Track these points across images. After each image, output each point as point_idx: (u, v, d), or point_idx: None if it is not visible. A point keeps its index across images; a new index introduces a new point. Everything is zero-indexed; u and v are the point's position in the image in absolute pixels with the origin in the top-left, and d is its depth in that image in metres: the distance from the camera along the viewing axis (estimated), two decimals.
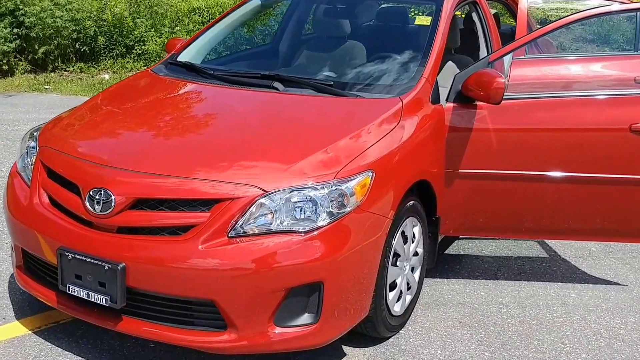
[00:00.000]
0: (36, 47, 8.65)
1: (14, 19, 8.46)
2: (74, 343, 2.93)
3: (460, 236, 3.70)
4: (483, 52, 4.12)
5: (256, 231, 2.53)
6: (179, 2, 9.86)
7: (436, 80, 3.37)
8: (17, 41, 8.50)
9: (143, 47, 9.15)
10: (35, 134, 3.17)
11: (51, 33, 8.65)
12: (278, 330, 2.57)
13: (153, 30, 9.30)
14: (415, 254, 3.26)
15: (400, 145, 2.96)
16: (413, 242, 3.19)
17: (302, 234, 2.54)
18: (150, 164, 2.72)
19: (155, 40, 9.17)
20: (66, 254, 2.63)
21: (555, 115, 3.42)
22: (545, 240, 4.32)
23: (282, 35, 4.45)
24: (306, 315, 2.61)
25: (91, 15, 9.06)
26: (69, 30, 8.78)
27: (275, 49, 4.33)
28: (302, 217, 2.57)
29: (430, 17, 3.65)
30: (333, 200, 2.61)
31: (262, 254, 2.50)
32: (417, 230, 3.21)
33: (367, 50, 3.76)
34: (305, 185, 2.60)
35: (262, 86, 3.31)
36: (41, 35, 8.57)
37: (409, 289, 3.24)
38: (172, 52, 3.90)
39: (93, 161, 2.80)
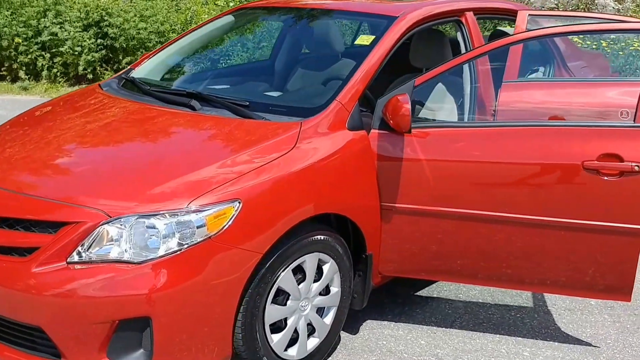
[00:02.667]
0: (120, 57, 9.08)
1: (99, 30, 8.94)
2: None
3: (409, 277, 3.33)
4: (466, 77, 3.70)
5: (94, 258, 2.39)
6: None
7: (357, 104, 3.04)
8: (103, 51, 8.97)
9: None
10: None
11: (134, 44, 9.04)
12: None
13: None
14: (326, 293, 2.97)
15: (289, 173, 2.69)
16: (318, 281, 2.90)
17: (135, 265, 2.37)
18: (11, 182, 2.67)
19: None
20: None
21: (493, 146, 2.98)
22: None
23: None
24: (141, 351, 2.43)
25: (175, 28, 9.36)
26: (154, 42, 9.12)
27: (237, 68, 4.19)
28: (144, 246, 2.40)
29: (373, 37, 3.32)
30: (179, 231, 2.41)
31: (87, 282, 2.35)
32: (327, 267, 2.92)
33: (305, 72, 3.52)
34: (152, 212, 2.43)
35: (181, 104, 3.17)
36: (125, 46, 8.99)
37: (313, 331, 2.95)
38: (130, 67, 3.86)
39: None
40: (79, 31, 8.84)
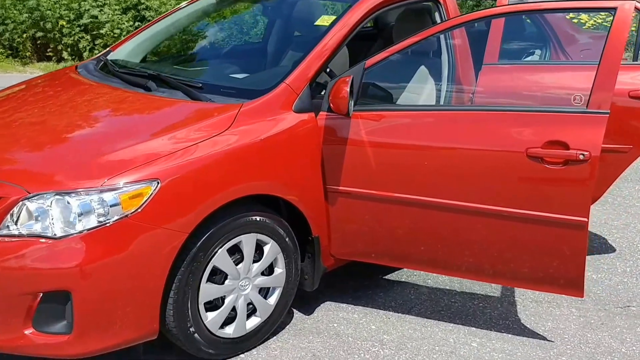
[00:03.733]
0: None
1: (137, 13, 9.17)
2: None
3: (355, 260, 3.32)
4: (444, 60, 3.63)
5: (19, 232, 2.50)
6: None
7: (308, 86, 3.03)
8: None
9: None
10: None
11: None
12: (35, 334, 2.51)
13: None
14: (269, 273, 3.00)
15: (216, 155, 2.71)
16: (259, 261, 2.93)
17: (55, 240, 2.46)
18: None
19: None
20: None
21: (435, 130, 2.92)
22: None
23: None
24: (64, 323, 2.53)
25: None
26: None
27: (216, 51, 4.22)
28: (64, 222, 2.48)
29: (333, 17, 3.29)
30: (96, 209, 2.49)
31: (12, 255, 2.46)
32: (267, 248, 2.95)
33: (273, 53, 3.52)
34: (69, 190, 2.51)
35: (139, 85, 3.24)
36: None
37: (254, 311, 3.00)
38: (109, 49, 3.96)
39: None
40: (118, 14, 9.10)
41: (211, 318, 2.84)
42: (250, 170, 2.82)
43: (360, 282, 3.66)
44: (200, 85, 3.14)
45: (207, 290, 2.79)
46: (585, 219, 2.72)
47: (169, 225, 2.58)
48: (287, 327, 3.21)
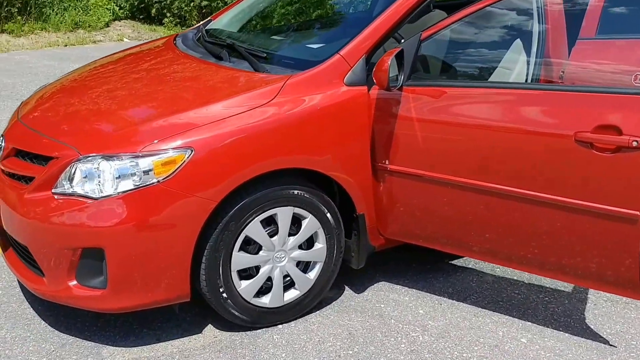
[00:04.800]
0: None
1: None
2: None
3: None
4: (535, 33, 3.33)
5: (71, 191, 2.67)
6: None
7: (363, 59, 2.92)
8: None
9: None
10: None
11: None
12: (78, 287, 2.69)
13: None
14: (308, 248, 2.98)
15: (254, 126, 2.71)
16: (296, 235, 2.92)
17: (94, 200, 2.60)
18: (33, 119, 3.04)
19: None
20: None
21: (483, 109, 2.71)
22: None
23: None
24: (101, 279, 2.68)
25: None
26: None
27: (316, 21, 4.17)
28: (102, 184, 2.62)
29: None
30: (132, 174, 2.60)
31: (61, 212, 2.63)
32: (305, 222, 2.93)
33: (346, 25, 3.42)
34: (112, 154, 2.63)
35: (215, 55, 3.30)
36: None
37: (291, 283, 3.00)
38: (210, 18, 4.06)
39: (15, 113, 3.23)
40: None
41: (244, 286, 2.88)
42: (288, 143, 2.79)
43: (423, 265, 3.53)
44: (265, 55, 3.15)
45: (239, 259, 2.83)
46: (638, 213, 2.42)
47: (199, 194, 2.63)
48: (333, 303, 3.18)
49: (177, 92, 3.01)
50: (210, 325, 2.99)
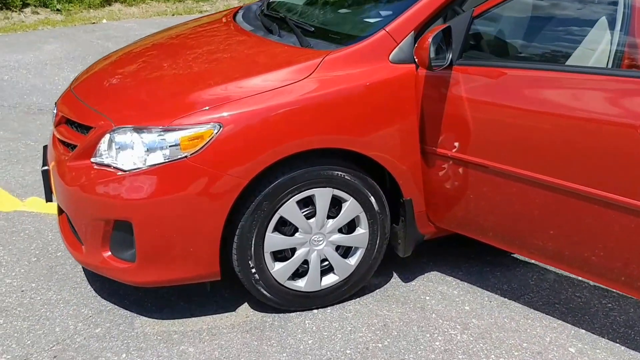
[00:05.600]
0: None
1: None
2: None
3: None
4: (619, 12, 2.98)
5: (105, 161, 2.69)
6: None
7: (412, 36, 2.73)
8: None
9: None
10: None
11: None
12: (111, 258, 2.71)
13: None
14: (349, 232, 2.86)
15: (288, 103, 2.59)
16: (334, 218, 2.80)
17: (125, 172, 2.60)
18: (82, 90, 3.08)
19: None
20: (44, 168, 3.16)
21: (549, 93, 2.44)
22: None
23: None
24: (132, 252, 2.68)
25: None
26: None
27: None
28: (132, 156, 2.61)
29: None
30: (161, 147, 2.57)
31: (94, 182, 2.65)
32: (346, 205, 2.80)
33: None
34: (142, 126, 2.61)
35: (268, 29, 3.21)
36: None
37: (329, 268, 2.89)
38: None
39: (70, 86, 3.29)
40: None
41: (278, 268, 2.80)
42: (322, 122, 2.66)
43: (482, 257, 3.32)
44: (313, 29, 3.02)
45: (273, 240, 2.75)
46: None
47: (229, 171, 2.56)
48: (376, 290, 3.05)
49: (216, 66, 2.95)
50: (245, 304, 2.95)
